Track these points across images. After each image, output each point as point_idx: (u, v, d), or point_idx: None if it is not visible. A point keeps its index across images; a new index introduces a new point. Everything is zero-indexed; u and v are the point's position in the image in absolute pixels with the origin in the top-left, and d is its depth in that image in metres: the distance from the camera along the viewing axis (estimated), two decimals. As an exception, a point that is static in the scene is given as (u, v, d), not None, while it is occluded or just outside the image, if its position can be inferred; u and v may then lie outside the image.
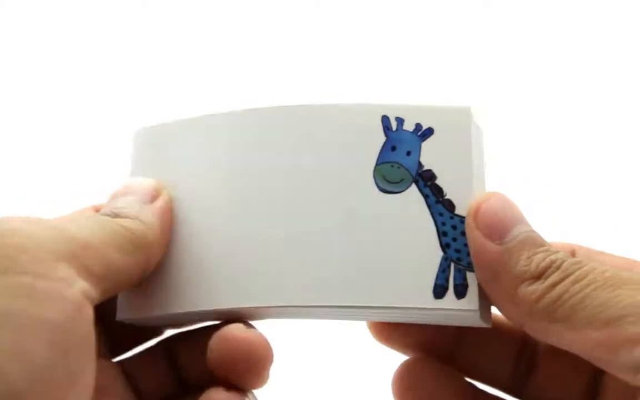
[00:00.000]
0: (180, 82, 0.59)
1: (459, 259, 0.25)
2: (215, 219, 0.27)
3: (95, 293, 0.22)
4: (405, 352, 0.29)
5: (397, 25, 0.61)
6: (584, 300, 0.22)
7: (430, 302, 0.25)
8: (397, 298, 0.25)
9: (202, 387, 0.26)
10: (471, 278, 0.25)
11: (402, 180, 0.26)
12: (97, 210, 0.28)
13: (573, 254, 0.27)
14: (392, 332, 0.28)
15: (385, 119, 0.26)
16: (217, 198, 0.27)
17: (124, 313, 0.28)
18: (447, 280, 0.25)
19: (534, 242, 0.24)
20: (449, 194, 0.26)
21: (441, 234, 0.25)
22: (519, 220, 0.24)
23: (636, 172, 0.55)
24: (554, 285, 0.22)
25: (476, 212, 0.25)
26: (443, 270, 0.25)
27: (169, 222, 0.27)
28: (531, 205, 0.27)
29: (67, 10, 0.61)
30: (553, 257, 0.23)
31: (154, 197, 0.27)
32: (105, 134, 0.58)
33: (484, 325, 0.25)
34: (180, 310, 0.27)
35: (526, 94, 0.59)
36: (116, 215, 0.25)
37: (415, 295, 0.25)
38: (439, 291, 0.25)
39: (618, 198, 0.54)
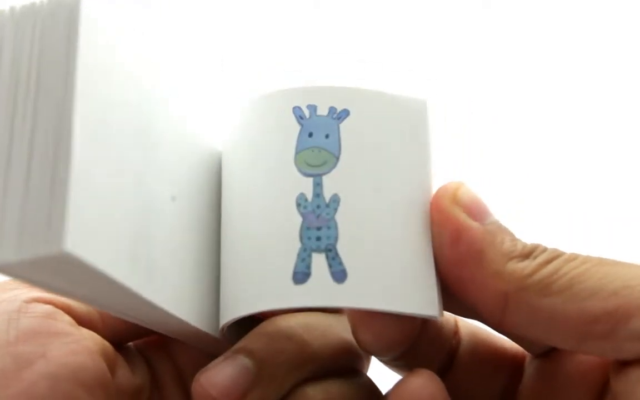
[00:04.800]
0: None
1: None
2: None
3: (74, 303, 0.24)
4: (371, 346, 0.26)
5: (396, 25, 0.61)
6: (584, 274, 0.21)
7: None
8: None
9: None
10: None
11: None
12: None
13: None
14: (373, 322, 0.25)
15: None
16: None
17: None
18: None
19: (510, 231, 0.24)
20: None
21: None
22: (490, 210, 0.24)
23: (623, 174, 0.55)
24: (547, 262, 0.22)
25: (455, 195, 0.24)
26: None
27: None
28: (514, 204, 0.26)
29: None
30: (535, 243, 0.23)
31: None
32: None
33: (435, 315, 0.24)
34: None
35: (526, 94, 0.59)
36: None
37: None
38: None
39: (606, 199, 0.55)
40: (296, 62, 0.59)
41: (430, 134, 0.26)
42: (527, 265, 0.22)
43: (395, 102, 0.26)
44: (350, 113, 0.25)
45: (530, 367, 0.26)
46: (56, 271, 0.18)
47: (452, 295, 0.24)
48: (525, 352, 0.27)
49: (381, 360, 0.27)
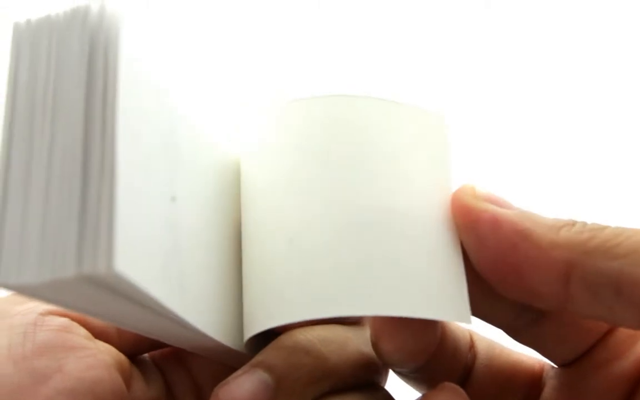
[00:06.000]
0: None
1: None
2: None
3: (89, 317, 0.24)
4: (388, 357, 0.26)
5: (397, 24, 0.61)
6: None
7: None
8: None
9: None
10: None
11: None
12: None
13: None
14: (394, 331, 0.25)
15: None
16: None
17: None
18: None
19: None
20: None
21: None
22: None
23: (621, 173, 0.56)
24: (602, 228, 0.21)
25: (474, 192, 0.23)
26: None
27: None
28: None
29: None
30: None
31: None
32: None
33: (465, 320, 0.23)
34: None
35: (526, 94, 0.59)
36: None
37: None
38: None
39: (603, 200, 0.55)
40: (298, 67, 0.59)
41: (449, 146, 0.25)
42: (582, 231, 0.21)
43: (413, 114, 0.25)
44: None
45: (551, 378, 0.26)
46: (85, 291, 0.17)
47: (492, 295, 0.23)
48: (544, 364, 0.27)
49: (399, 374, 0.27)
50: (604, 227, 0.21)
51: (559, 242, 0.21)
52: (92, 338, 0.24)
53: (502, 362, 0.27)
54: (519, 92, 0.59)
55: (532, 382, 0.27)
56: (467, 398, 0.23)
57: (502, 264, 0.22)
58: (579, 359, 0.25)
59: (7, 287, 0.16)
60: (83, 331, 0.24)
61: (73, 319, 0.24)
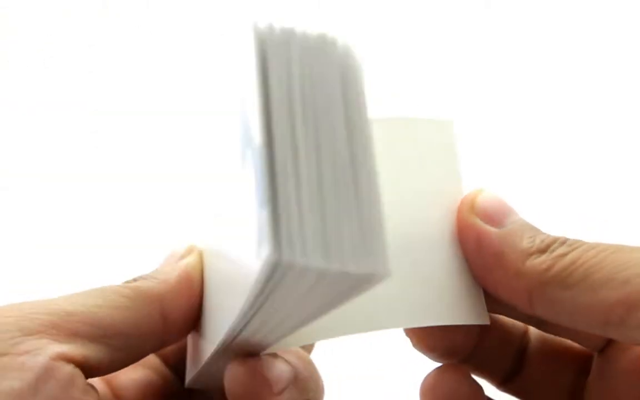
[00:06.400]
0: (179, 79, 0.59)
1: None
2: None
3: (88, 351, 0.23)
4: (431, 356, 0.29)
5: (397, 24, 0.61)
6: (600, 262, 0.22)
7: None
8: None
9: None
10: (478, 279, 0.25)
11: None
12: None
13: None
14: (426, 337, 0.28)
15: None
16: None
17: (189, 379, 0.28)
18: None
19: (532, 227, 0.24)
20: None
21: None
22: (512, 209, 0.25)
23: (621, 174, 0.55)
24: (564, 254, 0.23)
25: (472, 203, 0.25)
26: None
27: (191, 278, 0.27)
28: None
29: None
30: (554, 236, 0.24)
31: (181, 256, 0.28)
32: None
33: (482, 321, 0.26)
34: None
35: (527, 94, 0.59)
36: (134, 280, 0.26)
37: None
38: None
39: (606, 199, 0.54)
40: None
41: (458, 152, 0.27)
42: (544, 260, 0.23)
43: (419, 127, 0.26)
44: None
45: (595, 363, 0.27)
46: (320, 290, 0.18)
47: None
48: (593, 351, 0.28)
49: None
50: (569, 251, 0.23)
51: (523, 272, 0.23)
52: (93, 389, 0.24)
53: (554, 348, 0.28)
54: (519, 92, 0.59)
55: (581, 367, 0.28)
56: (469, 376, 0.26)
57: (483, 280, 0.25)
58: (608, 344, 0.26)
59: (292, 265, 0.17)
60: (83, 383, 0.24)
61: (77, 363, 0.24)
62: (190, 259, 0.28)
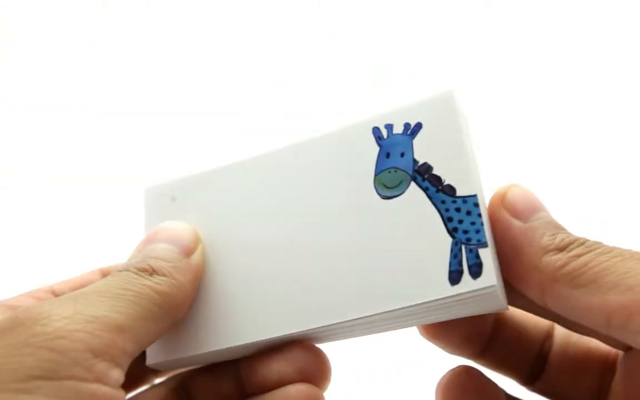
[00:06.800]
0: (179, 78, 0.59)
1: (468, 239, 0.25)
2: (236, 259, 0.29)
3: (124, 370, 0.23)
4: (448, 349, 0.30)
5: (396, 25, 0.61)
6: (609, 268, 0.23)
7: (447, 290, 0.25)
8: (416, 295, 0.25)
9: None
10: (484, 254, 0.25)
11: (400, 182, 0.27)
12: (104, 274, 0.30)
13: None
14: (437, 330, 0.29)
15: (375, 130, 0.27)
16: (236, 242, 0.29)
17: (153, 358, 0.29)
18: (460, 264, 0.25)
19: (557, 225, 0.25)
20: (448, 180, 0.26)
21: (447, 220, 0.26)
22: (542, 206, 0.26)
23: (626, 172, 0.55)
24: (579, 255, 0.24)
25: (503, 197, 0.26)
26: (455, 256, 0.25)
27: (199, 279, 0.28)
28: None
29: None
30: (575, 236, 0.25)
31: (191, 251, 0.28)
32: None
33: (501, 308, 0.26)
34: (215, 348, 0.28)
35: (526, 93, 0.59)
36: (153, 271, 0.26)
37: (432, 288, 0.25)
38: (455, 277, 0.25)
39: (612, 196, 0.54)
40: (297, 61, 0.59)
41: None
42: (559, 258, 0.24)
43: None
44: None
45: (620, 364, 0.28)
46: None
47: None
48: (618, 351, 0.28)
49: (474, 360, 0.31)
50: (584, 253, 0.24)
51: (539, 267, 0.24)
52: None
53: (578, 348, 0.29)
54: (519, 92, 0.59)
55: (606, 367, 0.29)
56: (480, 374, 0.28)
57: (505, 270, 0.26)
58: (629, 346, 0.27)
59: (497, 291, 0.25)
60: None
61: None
62: (199, 258, 0.28)
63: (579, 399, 0.28)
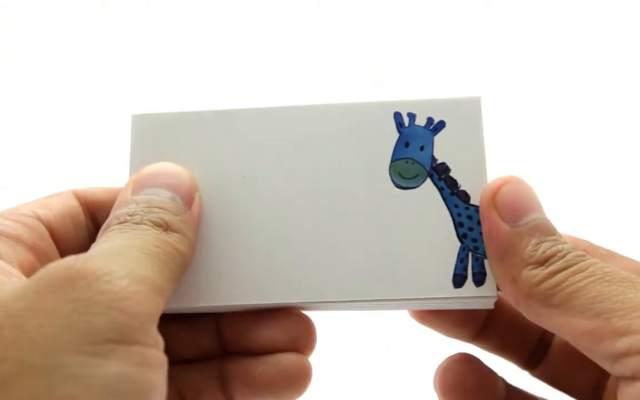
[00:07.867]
0: (178, 77, 0.59)
1: (476, 248, 0.26)
2: (236, 214, 0.27)
3: None
4: (441, 332, 0.30)
5: (396, 25, 0.61)
6: (580, 290, 0.23)
7: (450, 291, 0.25)
8: (419, 289, 0.25)
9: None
10: (489, 266, 0.26)
11: (416, 175, 0.26)
12: (78, 196, 0.29)
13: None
14: (428, 314, 0.29)
15: (397, 116, 0.27)
16: (236, 195, 0.27)
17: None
18: (465, 269, 0.26)
19: (545, 230, 0.25)
20: (464, 185, 0.26)
21: (458, 225, 0.26)
22: (535, 206, 0.25)
23: (626, 172, 0.55)
24: (555, 272, 0.23)
25: (495, 193, 0.25)
26: (461, 260, 0.26)
27: (198, 227, 0.27)
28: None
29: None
30: (560, 246, 0.24)
31: (191, 200, 0.26)
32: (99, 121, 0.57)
33: (490, 307, 0.27)
34: (213, 304, 0.27)
35: (526, 92, 0.59)
36: (167, 227, 0.24)
37: (436, 286, 0.25)
38: (458, 280, 0.26)
39: (615, 196, 0.54)
40: (300, 59, 0.59)
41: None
42: (536, 274, 0.24)
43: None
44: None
45: None
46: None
47: None
48: None
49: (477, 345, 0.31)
50: (561, 269, 0.24)
51: (517, 281, 0.24)
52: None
53: None
54: (519, 92, 0.59)
55: None
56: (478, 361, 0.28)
57: (492, 270, 0.26)
58: None
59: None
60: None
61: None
62: (198, 209, 0.27)
63: (577, 391, 0.29)
